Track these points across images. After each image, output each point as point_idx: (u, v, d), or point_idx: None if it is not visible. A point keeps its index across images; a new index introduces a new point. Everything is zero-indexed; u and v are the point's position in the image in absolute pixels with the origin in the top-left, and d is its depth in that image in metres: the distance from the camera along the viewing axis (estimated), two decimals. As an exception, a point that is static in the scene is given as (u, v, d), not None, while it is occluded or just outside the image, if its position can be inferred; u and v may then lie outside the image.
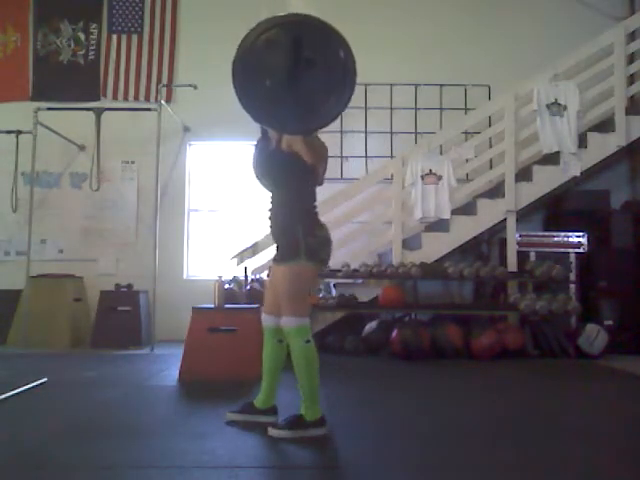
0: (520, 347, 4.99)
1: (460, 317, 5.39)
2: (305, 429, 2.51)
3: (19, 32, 6.98)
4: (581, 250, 5.65)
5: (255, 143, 2.76)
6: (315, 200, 2.70)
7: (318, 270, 2.65)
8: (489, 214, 5.81)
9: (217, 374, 3.89)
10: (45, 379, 3.78)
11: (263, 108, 2.20)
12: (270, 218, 2.71)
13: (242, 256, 5.88)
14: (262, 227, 6.43)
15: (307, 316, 2.59)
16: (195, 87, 6.31)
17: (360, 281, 5.68)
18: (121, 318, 5.88)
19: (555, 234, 5.75)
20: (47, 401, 3.32)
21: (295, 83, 2.15)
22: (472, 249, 6.23)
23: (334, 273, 5.45)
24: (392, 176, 5.93)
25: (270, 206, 2.72)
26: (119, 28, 6.93)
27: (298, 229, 2.54)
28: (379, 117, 6.60)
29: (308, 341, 2.55)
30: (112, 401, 3.32)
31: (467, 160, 5.94)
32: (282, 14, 2.19)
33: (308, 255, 2.52)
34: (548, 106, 5.78)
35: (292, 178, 2.61)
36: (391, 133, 6.71)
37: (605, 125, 6.02)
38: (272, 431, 2.51)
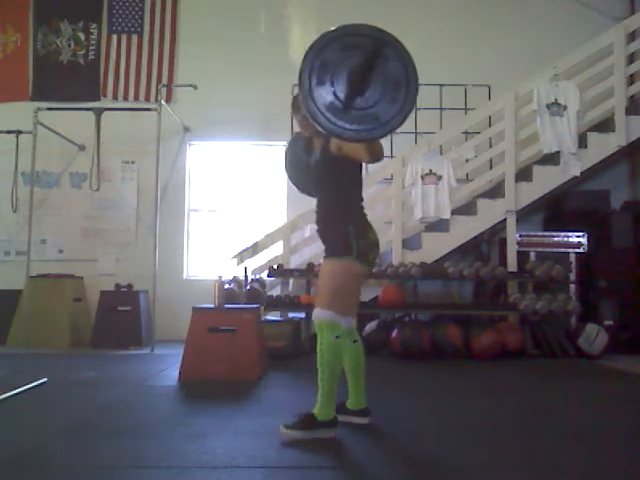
0: (520, 347, 4.99)
1: (460, 317, 5.39)
2: (316, 429, 2.47)
3: (19, 32, 6.98)
4: (581, 250, 5.65)
5: (286, 148, 2.76)
6: (362, 200, 2.70)
7: (366, 272, 2.63)
8: (489, 214, 5.81)
9: (217, 374, 3.89)
10: (45, 379, 3.78)
11: (325, 112, 2.17)
12: (318, 221, 2.72)
13: (242, 256, 5.88)
14: (262, 227, 6.46)
15: (347, 316, 2.58)
16: (195, 87, 6.32)
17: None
18: (121, 318, 5.88)
19: (555, 234, 5.75)
20: (47, 401, 3.32)
21: (362, 93, 2.15)
22: (472, 249, 6.23)
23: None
24: (392, 176, 5.94)
25: (317, 209, 2.72)
26: (119, 28, 6.93)
27: (350, 230, 2.54)
28: (379, 117, 6.60)
29: (338, 337, 2.53)
30: (112, 401, 3.32)
31: (467, 160, 5.94)
32: (361, 24, 2.22)
33: (359, 256, 2.52)
34: (548, 106, 5.78)
35: (341, 182, 2.62)
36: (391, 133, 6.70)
37: (605, 125, 6.02)
38: (283, 429, 2.47)
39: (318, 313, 2.56)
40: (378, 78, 2.16)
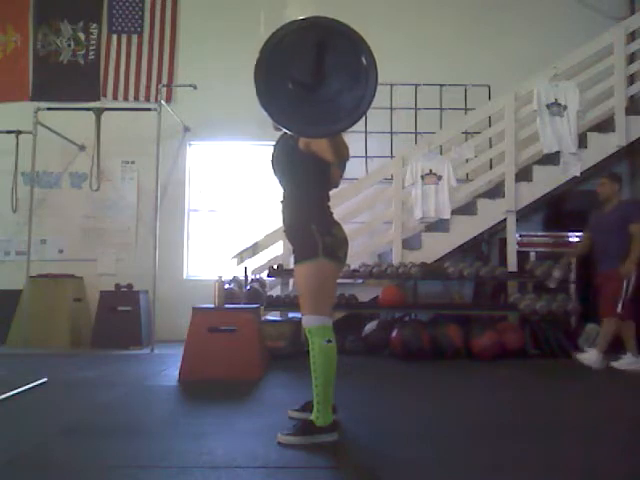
0: (520, 347, 4.99)
1: (460, 317, 5.39)
2: (315, 435, 2.44)
3: (19, 32, 6.98)
4: (581, 250, 5.63)
5: (275, 142, 2.73)
6: (329, 200, 2.68)
7: (338, 269, 2.60)
8: (489, 214, 5.81)
9: (217, 374, 3.89)
10: (45, 379, 3.78)
11: (284, 111, 2.14)
12: (283, 219, 2.70)
13: (242, 256, 5.88)
14: (262, 227, 6.45)
15: (329, 315, 2.54)
16: (195, 87, 6.32)
17: (360, 281, 5.68)
18: (121, 318, 5.88)
19: (555, 234, 5.74)
20: (47, 401, 3.32)
21: (317, 87, 2.11)
22: (472, 249, 6.23)
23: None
24: (392, 176, 5.94)
25: (282, 205, 2.70)
26: (119, 28, 6.93)
27: (314, 229, 2.52)
28: (379, 117, 6.59)
29: (329, 341, 2.49)
30: (112, 401, 3.32)
31: (467, 160, 5.94)
32: (307, 16, 2.14)
33: (326, 254, 2.49)
34: (548, 106, 5.78)
35: (308, 178, 2.59)
36: (391, 133, 6.71)
37: (605, 125, 6.02)
38: (281, 437, 2.45)
39: (306, 319, 2.53)
40: (333, 69, 2.09)
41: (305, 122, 2.15)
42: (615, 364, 4.46)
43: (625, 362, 4.47)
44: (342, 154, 2.43)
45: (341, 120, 2.13)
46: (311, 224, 2.54)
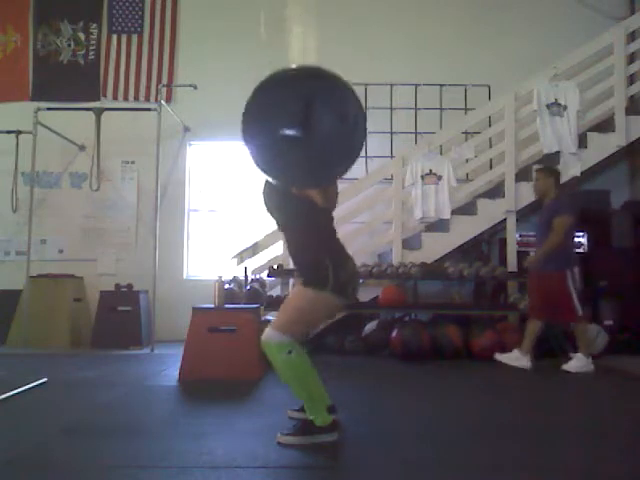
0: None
1: (460, 317, 5.39)
2: (315, 435, 2.44)
3: (19, 32, 6.98)
4: (581, 250, 5.64)
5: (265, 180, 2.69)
6: (332, 220, 2.60)
7: (340, 305, 2.52)
8: (489, 214, 5.81)
9: (217, 374, 3.89)
10: (45, 379, 3.78)
11: (273, 162, 2.15)
12: (291, 252, 2.62)
13: (242, 256, 5.88)
14: (262, 227, 6.45)
15: (293, 338, 2.44)
16: (195, 87, 6.32)
17: (360, 281, 5.67)
18: (121, 318, 5.88)
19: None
20: (47, 401, 3.32)
21: (306, 138, 2.08)
22: (472, 249, 6.22)
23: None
24: (392, 176, 5.94)
25: (288, 241, 2.63)
26: (119, 28, 6.93)
27: (327, 261, 2.44)
28: (379, 117, 6.59)
29: (290, 352, 2.42)
30: (112, 401, 3.33)
31: (467, 160, 5.94)
32: (296, 67, 2.17)
33: (335, 289, 2.42)
34: (548, 106, 5.77)
35: (309, 218, 2.51)
36: (391, 133, 6.71)
37: (605, 125, 6.02)
38: (281, 437, 2.45)
39: (268, 333, 2.45)
40: (322, 120, 2.08)
41: (294, 173, 2.17)
42: (565, 366, 4.32)
43: (577, 364, 4.29)
44: (331, 201, 2.46)
45: (331, 170, 2.16)
46: (325, 257, 2.45)
